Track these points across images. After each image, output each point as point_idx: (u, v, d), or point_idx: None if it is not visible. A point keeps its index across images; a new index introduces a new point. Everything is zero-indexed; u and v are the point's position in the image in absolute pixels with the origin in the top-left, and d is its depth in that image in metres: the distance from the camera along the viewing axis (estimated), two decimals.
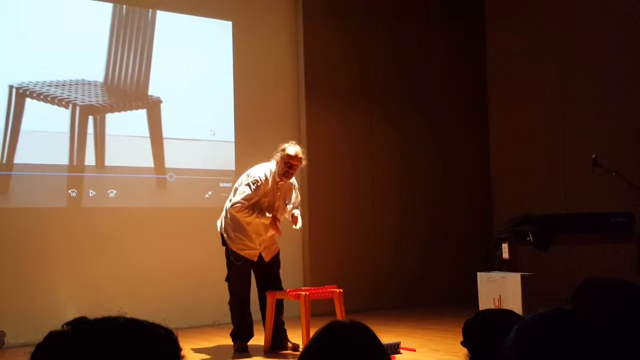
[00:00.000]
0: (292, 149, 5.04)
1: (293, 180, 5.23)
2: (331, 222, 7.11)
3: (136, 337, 1.15)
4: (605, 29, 7.59)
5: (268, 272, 5.17)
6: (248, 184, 5.01)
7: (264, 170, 5.07)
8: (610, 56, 7.53)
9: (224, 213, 5.20)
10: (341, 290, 5.02)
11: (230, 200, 5.13)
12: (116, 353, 1.12)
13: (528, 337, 1.25)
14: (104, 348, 1.12)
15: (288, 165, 5.02)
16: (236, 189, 5.13)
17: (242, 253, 5.08)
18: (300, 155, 5.06)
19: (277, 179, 5.06)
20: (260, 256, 5.13)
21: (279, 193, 5.12)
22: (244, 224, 5.06)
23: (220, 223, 5.22)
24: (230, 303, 5.18)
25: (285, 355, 5.01)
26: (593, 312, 1.68)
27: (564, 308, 1.33)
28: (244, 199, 4.97)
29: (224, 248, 5.20)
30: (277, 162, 5.04)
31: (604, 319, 1.49)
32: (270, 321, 5.07)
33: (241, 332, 5.12)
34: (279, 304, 5.17)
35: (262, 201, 5.03)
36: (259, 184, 4.99)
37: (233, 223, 5.08)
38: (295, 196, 5.26)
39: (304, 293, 4.90)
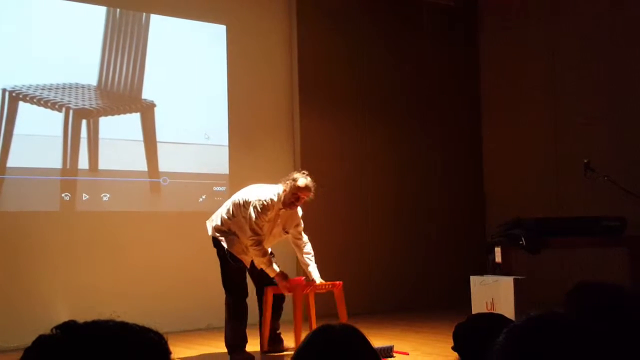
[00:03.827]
0: (303, 180, 4.92)
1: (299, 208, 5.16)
2: (325, 225, 7.11)
3: (125, 341, 1.16)
4: (599, 32, 7.63)
5: (264, 274, 5.13)
6: (256, 209, 4.88)
7: (271, 194, 4.96)
8: (604, 60, 7.56)
9: (219, 220, 5.10)
10: (341, 282, 5.02)
11: (229, 211, 5.04)
12: (105, 357, 1.13)
13: (517, 340, 1.26)
14: (93, 352, 1.13)
15: (295, 197, 4.94)
16: (238, 204, 5.01)
17: (239, 257, 5.05)
18: (310, 187, 4.96)
19: (280, 206, 5.00)
20: (252, 263, 5.12)
21: (279, 220, 5.07)
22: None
23: (212, 227, 5.14)
24: (231, 306, 5.05)
25: (281, 358, 5.01)
26: (584, 315, 1.69)
27: (553, 312, 1.34)
28: (256, 232, 4.87)
29: (217, 251, 5.17)
30: (285, 190, 4.95)
31: (593, 323, 1.50)
32: (268, 318, 5.03)
33: (242, 342, 5.02)
34: (278, 307, 5.16)
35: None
36: (267, 210, 4.89)
37: (237, 231, 5.04)
38: (297, 225, 5.18)
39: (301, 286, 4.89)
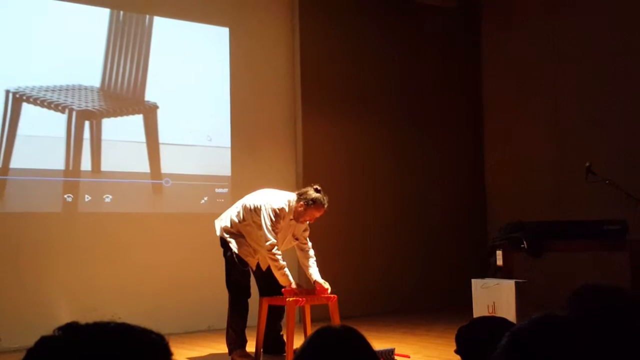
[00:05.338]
0: (321, 203, 4.90)
1: None
2: (326, 227, 7.11)
3: (127, 342, 1.16)
4: (599, 38, 7.63)
5: (269, 277, 5.13)
6: (269, 214, 4.88)
7: (282, 202, 4.95)
8: (605, 64, 7.57)
9: (228, 221, 5.10)
10: (335, 296, 5.03)
11: (239, 214, 5.04)
12: (107, 358, 1.13)
13: (519, 343, 1.27)
14: (95, 353, 1.13)
15: (311, 217, 4.96)
16: (249, 208, 5.00)
17: (246, 259, 5.07)
18: (326, 207, 4.96)
19: (291, 217, 4.98)
20: (257, 264, 5.14)
21: (290, 229, 5.07)
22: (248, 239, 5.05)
23: (220, 227, 5.15)
24: (234, 307, 5.10)
25: (282, 359, 5.01)
26: (585, 319, 1.69)
27: (555, 315, 1.34)
28: (273, 236, 4.85)
29: (220, 252, 5.16)
30: (302, 205, 4.91)
31: (595, 326, 1.50)
32: (262, 329, 5.05)
33: (243, 341, 5.07)
34: (279, 309, 5.16)
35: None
36: (279, 218, 4.90)
37: (245, 234, 5.06)
38: (305, 229, 5.18)
39: (291, 298, 4.89)
